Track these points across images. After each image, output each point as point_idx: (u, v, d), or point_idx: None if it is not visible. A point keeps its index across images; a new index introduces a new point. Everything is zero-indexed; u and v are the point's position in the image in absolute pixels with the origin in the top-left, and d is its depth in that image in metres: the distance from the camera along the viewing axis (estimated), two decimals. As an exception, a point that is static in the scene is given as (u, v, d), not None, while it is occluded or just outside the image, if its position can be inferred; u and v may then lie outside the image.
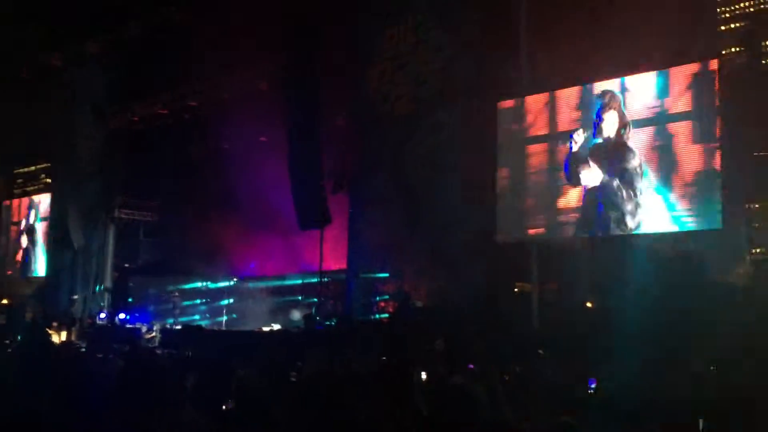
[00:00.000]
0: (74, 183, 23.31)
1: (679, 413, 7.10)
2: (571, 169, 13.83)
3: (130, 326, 20.20)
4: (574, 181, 13.82)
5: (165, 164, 22.34)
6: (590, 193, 13.59)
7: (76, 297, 22.74)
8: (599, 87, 13.71)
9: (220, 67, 20.22)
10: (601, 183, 13.44)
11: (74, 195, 23.19)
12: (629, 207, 12.89)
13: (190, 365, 5.53)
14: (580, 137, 13.74)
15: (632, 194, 12.86)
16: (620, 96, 13.33)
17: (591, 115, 13.71)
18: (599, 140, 13.55)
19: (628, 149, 13.04)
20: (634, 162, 12.91)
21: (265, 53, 18.76)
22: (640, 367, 9.01)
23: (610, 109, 13.38)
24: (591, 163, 13.57)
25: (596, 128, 13.57)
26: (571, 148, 13.84)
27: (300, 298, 20.13)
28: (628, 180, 12.96)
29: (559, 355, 10.82)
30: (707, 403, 7.72)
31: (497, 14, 14.95)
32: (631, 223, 12.90)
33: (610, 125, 13.40)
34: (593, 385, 7.43)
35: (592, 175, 13.57)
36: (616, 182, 13.11)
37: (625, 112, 13.18)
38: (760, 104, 12.25)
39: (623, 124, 13.18)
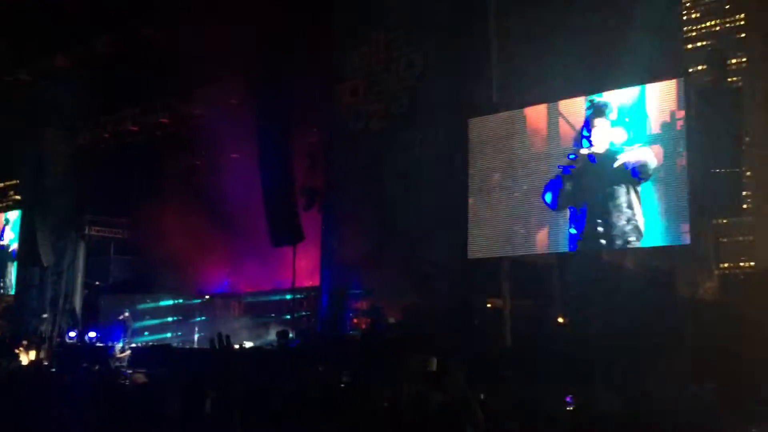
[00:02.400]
0: (43, 200, 23.02)
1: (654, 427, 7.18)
2: (560, 192, 13.62)
3: (101, 345, 19.96)
4: (562, 203, 13.56)
5: (136, 181, 22.18)
6: (575, 211, 13.45)
7: (45, 315, 22.42)
8: (565, 105, 13.77)
9: (190, 83, 20.16)
10: (589, 200, 13.33)
11: (43, 212, 22.89)
12: (620, 223, 12.75)
13: (166, 388, 5.53)
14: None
15: (622, 210, 12.72)
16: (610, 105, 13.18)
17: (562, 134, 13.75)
18: (589, 154, 13.37)
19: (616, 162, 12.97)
20: (623, 176, 12.82)
21: (236, 69, 18.72)
22: (611, 382, 9.09)
23: (600, 117, 13.21)
24: (580, 180, 13.42)
25: (587, 139, 13.37)
26: (566, 171, 13.67)
27: (273, 315, 20.03)
28: (617, 196, 12.89)
29: (531, 371, 10.88)
30: (678, 416, 7.81)
31: (468, 32, 15.10)
32: (618, 239, 12.77)
33: (601, 136, 13.21)
34: (569, 402, 7.48)
35: (580, 194, 13.41)
36: (606, 198, 12.99)
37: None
38: (726, 121, 12.46)
39: (612, 136, 13.05)
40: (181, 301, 22.26)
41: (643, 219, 12.45)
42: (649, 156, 12.41)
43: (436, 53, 15.46)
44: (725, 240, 12.38)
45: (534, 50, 14.02)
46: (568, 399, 7.54)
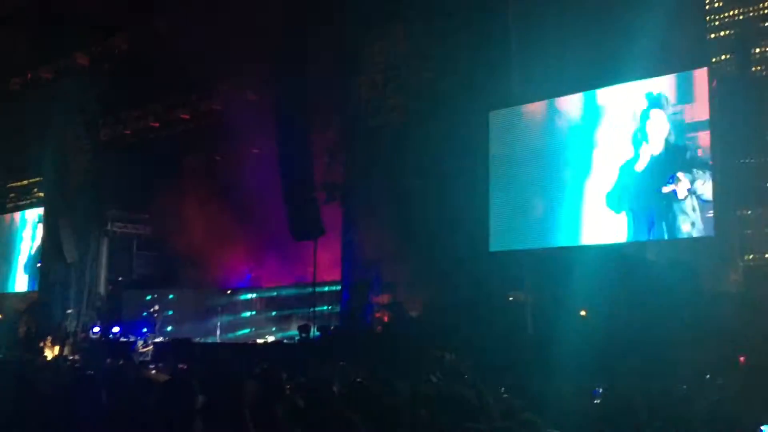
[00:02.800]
0: (66, 196, 23.21)
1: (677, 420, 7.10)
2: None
3: (124, 340, 20.11)
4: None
5: (158, 177, 22.30)
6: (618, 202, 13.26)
7: (69, 311, 22.62)
8: (570, 100, 13.58)
9: (210, 79, 20.23)
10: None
11: (66, 208, 23.08)
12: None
13: (195, 382, 5.52)
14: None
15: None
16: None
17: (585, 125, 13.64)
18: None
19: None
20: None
21: (256, 64, 18.75)
22: (635, 375, 9.00)
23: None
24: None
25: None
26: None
27: (294, 310, 20.09)
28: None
29: (554, 364, 10.80)
30: (702, 408, 7.71)
31: (487, 23, 14.99)
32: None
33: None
34: (598, 395, 7.41)
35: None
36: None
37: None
38: (750, 111, 12.30)
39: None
40: (203, 296, 22.36)
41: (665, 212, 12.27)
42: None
43: (456, 46, 15.35)
44: (750, 232, 12.23)
45: (555, 40, 13.89)
46: (594, 392, 7.47)
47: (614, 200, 12.87)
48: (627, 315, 11.66)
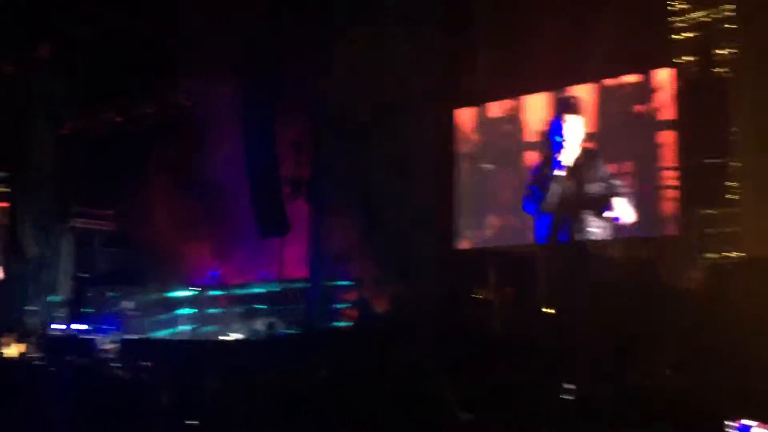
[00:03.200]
0: (27, 191, 22.86)
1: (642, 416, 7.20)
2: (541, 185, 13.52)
3: (87, 337, 19.84)
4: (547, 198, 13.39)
5: (122, 172, 22.04)
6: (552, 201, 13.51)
7: (30, 308, 22.29)
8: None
9: (177, 72, 20.04)
10: (565, 191, 13.33)
11: (27, 203, 22.73)
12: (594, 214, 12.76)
13: (159, 380, 5.50)
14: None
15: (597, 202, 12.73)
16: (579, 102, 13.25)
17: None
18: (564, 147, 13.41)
19: (594, 155, 13.01)
20: (600, 169, 12.84)
21: (223, 57, 18.61)
22: (600, 372, 9.10)
23: (572, 113, 13.21)
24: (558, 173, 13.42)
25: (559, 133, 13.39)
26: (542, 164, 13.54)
27: (261, 307, 19.98)
28: (593, 188, 12.88)
29: (519, 362, 10.88)
30: (661, 405, 7.82)
31: (456, 19, 15.05)
32: (595, 230, 12.77)
33: (573, 132, 13.21)
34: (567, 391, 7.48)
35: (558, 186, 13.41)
36: (581, 190, 13.02)
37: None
38: (713, 111, 12.49)
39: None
40: (167, 293, 22.13)
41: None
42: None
43: (422, 43, 15.39)
44: (711, 230, 12.45)
45: (520, 38, 14.00)
46: (565, 388, 7.54)
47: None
48: (591, 312, 11.77)
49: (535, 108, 14.21)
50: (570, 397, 7.03)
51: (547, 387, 7.28)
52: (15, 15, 19.80)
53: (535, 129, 14.02)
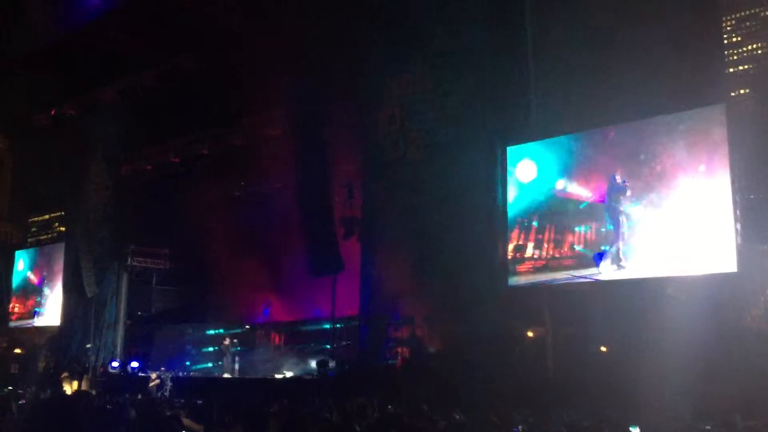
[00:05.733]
0: (86, 231, 23.39)
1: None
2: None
3: (142, 375, 20.11)
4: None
5: (177, 212, 22.45)
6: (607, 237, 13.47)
7: (89, 345, 22.70)
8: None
9: (231, 115, 20.45)
10: (622, 227, 13.32)
11: (87, 243, 23.24)
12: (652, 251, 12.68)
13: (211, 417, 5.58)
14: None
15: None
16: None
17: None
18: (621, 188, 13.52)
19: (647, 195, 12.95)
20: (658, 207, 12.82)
21: (277, 100, 18.94)
22: (660, 414, 8.89)
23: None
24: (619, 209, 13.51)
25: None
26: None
27: (312, 345, 20.03)
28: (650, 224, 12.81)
29: (576, 399, 10.70)
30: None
31: (506, 58, 15.08)
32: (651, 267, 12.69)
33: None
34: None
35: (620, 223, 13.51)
36: (640, 227, 12.94)
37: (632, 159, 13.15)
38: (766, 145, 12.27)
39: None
40: (221, 330, 22.34)
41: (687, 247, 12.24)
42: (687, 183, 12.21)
43: (475, 81, 15.44)
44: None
45: (573, 77, 13.97)
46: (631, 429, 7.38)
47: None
48: (648, 350, 11.55)
49: (585, 144, 14.13)
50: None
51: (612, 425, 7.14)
52: (78, 60, 20.52)
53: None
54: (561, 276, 14.17)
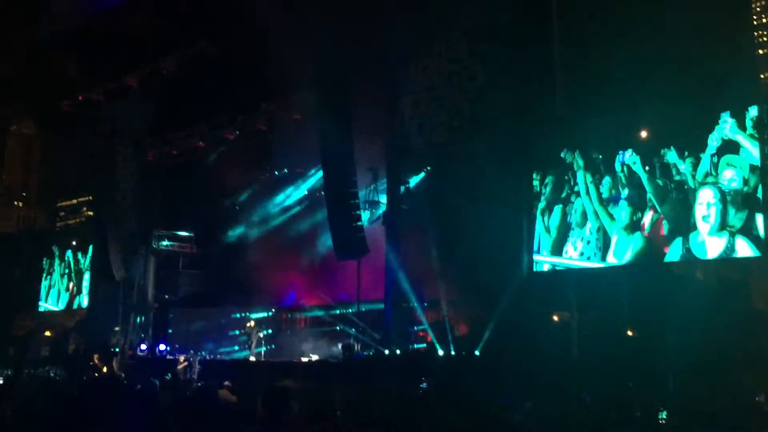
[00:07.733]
0: (114, 215, 23.60)
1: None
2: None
3: (171, 357, 20.35)
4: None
5: (203, 196, 22.59)
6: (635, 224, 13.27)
7: (117, 328, 22.98)
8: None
9: (255, 99, 20.50)
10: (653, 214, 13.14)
11: (114, 227, 23.45)
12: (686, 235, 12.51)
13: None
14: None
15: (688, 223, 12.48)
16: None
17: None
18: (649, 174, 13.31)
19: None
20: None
21: (301, 84, 18.94)
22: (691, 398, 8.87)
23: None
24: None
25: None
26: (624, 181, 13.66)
27: (338, 329, 20.13)
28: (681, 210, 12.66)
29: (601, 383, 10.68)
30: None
31: (530, 41, 14.93)
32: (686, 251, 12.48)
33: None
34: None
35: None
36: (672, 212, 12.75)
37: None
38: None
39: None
40: (248, 314, 22.50)
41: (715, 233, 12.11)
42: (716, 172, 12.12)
43: (499, 64, 15.32)
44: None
45: (599, 56, 13.77)
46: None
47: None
48: (676, 334, 11.48)
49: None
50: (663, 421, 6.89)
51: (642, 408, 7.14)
52: (103, 47, 20.65)
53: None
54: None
